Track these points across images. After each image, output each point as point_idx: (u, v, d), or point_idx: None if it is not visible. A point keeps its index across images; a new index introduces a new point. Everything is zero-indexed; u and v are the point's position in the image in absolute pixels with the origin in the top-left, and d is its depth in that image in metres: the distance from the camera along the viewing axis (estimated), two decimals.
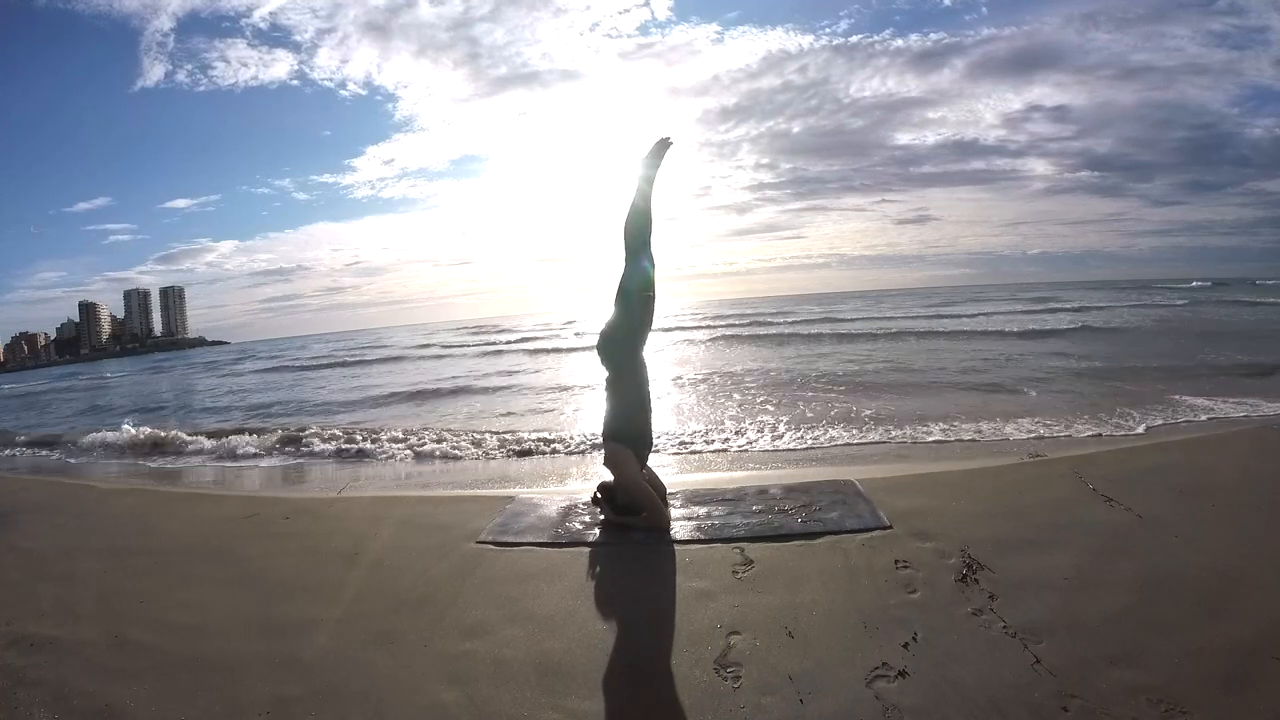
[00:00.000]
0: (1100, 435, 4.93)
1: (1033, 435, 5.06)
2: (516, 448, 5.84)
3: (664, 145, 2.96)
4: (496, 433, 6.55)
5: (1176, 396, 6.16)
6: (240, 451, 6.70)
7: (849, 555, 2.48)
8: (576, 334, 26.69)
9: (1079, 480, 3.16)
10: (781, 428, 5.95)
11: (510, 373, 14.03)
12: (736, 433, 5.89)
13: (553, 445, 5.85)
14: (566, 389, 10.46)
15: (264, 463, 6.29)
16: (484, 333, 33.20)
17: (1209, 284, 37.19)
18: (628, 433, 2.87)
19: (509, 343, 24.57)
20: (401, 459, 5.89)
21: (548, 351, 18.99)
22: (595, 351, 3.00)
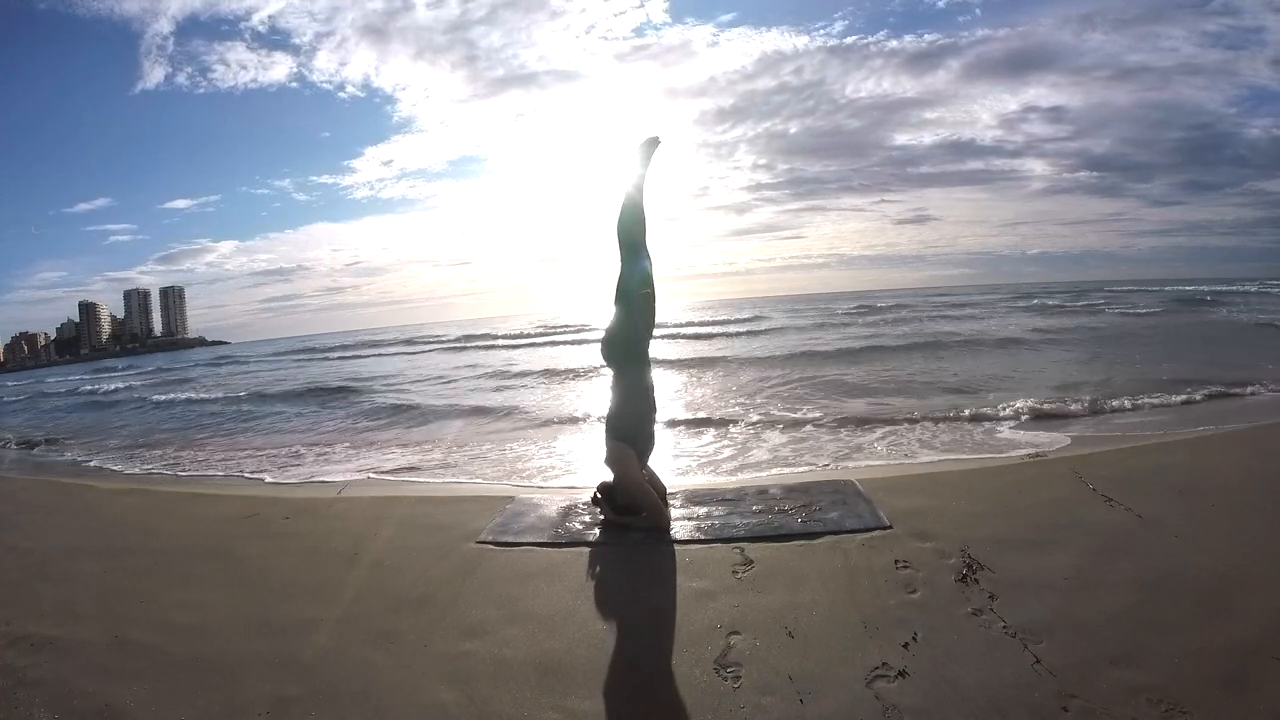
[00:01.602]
0: (1100, 435, 4.93)
1: (1033, 435, 5.06)
2: None
3: (653, 144, 2.96)
4: None
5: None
6: None
7: (849, 555, 2.48)
8: (538, 334, 27.07)
9: (1079, 480, 3.16)
10: (781, 427, 5.94)
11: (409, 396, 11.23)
12: (737, 432, 5.88)
13: None
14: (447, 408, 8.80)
15: None
16: (468, 336, 31.61)
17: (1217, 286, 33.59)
18: (629, 431, 2.87)
19: (443, 347, 24.98)
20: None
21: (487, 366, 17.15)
22: (600, 351, 3.00)
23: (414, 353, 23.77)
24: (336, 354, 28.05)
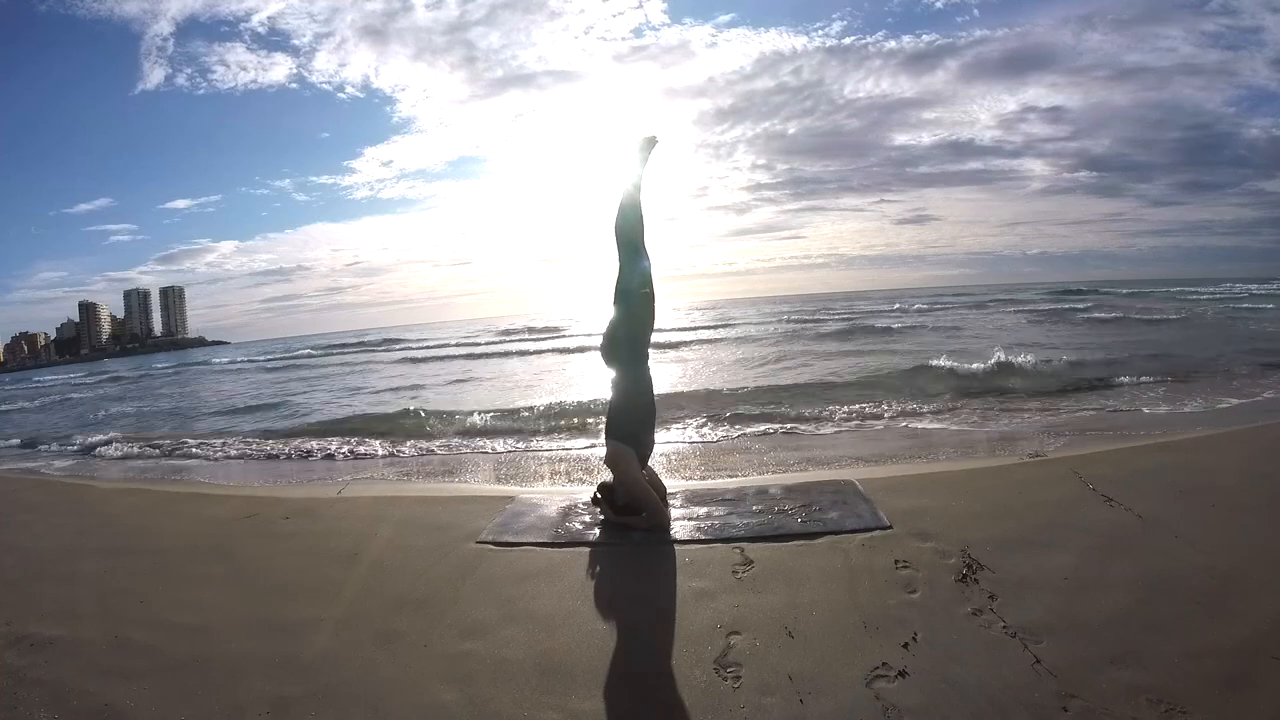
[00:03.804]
0: (1101, 435, 4.93)
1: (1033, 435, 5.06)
2: None
3: (651, 143, 2.96)
4: None
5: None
6: None
7: (849, 555, 2.48)
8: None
9: (1079, 480, 3.16)
10: (781, 427, 5.95)
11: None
12: (736, 433, 5.88)
13: None
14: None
15: None
16: (439, 344, 29.81)
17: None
18: (629, 432, 2.87)
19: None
20: None
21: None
22: (599, 351, 3.01)
23: (354, 365, 21.81)
24: (281, 362, 26.73)
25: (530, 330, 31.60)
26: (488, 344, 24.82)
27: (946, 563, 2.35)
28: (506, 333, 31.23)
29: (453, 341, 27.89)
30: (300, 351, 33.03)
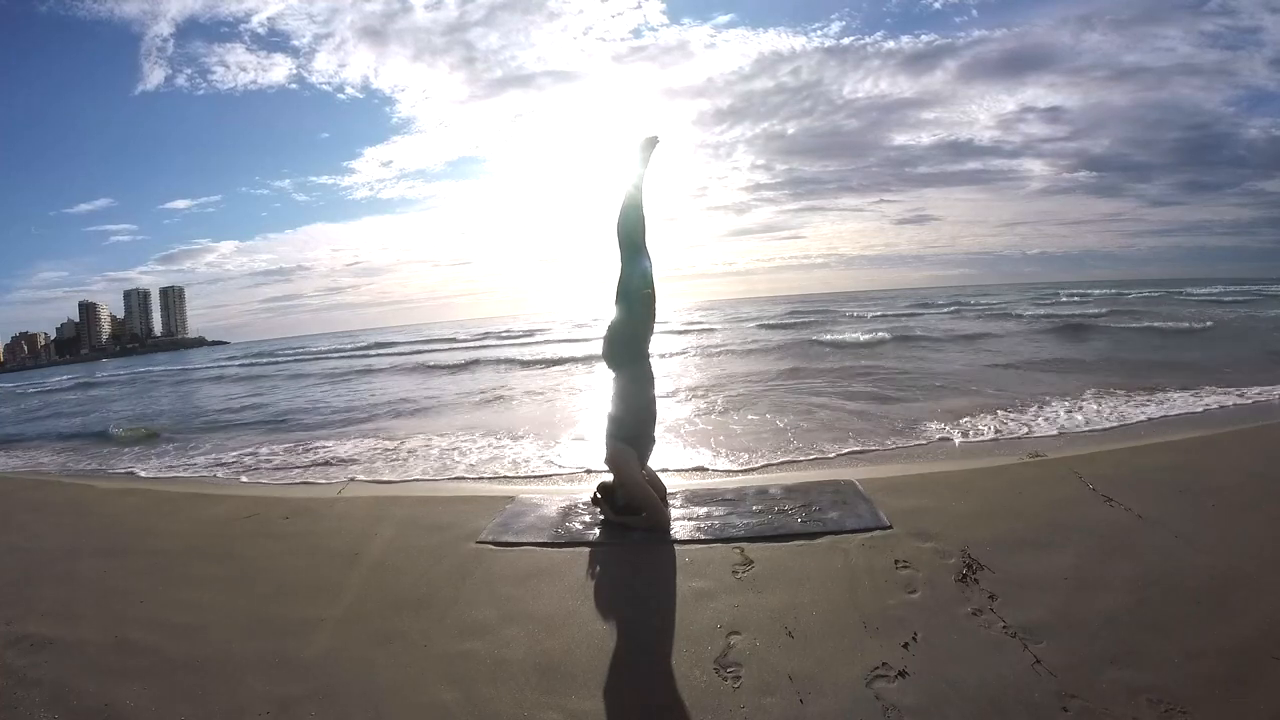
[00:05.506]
0: (1100, 435, 4.93)
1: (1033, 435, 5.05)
2: None
3: (652, 143, 2.96)
4: None
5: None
6: None
7: (849, 555, 2.48)
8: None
9: (1079, 480, 3.16)
10: (780, 428, 5.94)
11: None
12: (735, 433, 5.88)
13: None
14: None
15: None
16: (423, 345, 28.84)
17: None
18: (630, 432, 2.87)
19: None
20: None
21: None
22: (600, 351, 3.01)
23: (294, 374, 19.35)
24: (234, 369, 24.91)
25: (500, 335, 30.97)
26: (454, 349, 23.87)
27: (946, 563, 2.35)
28: (482, 336, 30.71)
29: (427, 347, 26.98)
30: (271, 357, 32.19)
